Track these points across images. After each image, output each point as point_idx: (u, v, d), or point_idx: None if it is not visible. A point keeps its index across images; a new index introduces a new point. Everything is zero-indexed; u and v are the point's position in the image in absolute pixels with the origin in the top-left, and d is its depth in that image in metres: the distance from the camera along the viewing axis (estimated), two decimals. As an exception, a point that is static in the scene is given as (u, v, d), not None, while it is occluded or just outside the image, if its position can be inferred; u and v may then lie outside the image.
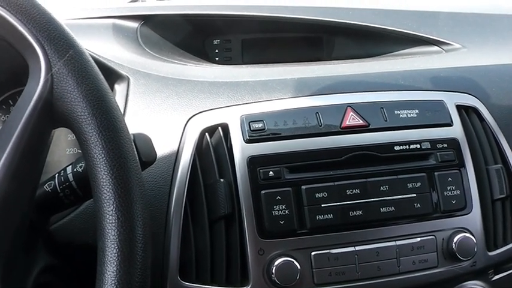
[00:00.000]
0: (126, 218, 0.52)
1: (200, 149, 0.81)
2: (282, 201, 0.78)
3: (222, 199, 0.77)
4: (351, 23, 1.10)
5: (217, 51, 1.15)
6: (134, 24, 1.04)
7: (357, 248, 0.79)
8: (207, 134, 0.81)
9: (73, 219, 0.78)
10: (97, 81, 0.56)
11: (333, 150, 0.81)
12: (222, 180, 0.78)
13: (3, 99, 0.94)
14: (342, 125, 0.82)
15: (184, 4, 1.14)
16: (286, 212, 0.77)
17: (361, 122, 0.82)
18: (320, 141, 0.81)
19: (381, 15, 1.11)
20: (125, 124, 0.57)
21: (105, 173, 0.53)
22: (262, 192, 0.78)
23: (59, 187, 0.66)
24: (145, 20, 1.06)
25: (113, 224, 0.52)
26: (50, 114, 0.55)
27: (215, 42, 1.15)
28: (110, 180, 0.53)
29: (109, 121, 0.54)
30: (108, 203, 0.52)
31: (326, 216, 0.78)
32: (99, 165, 0.53)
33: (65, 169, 0.66)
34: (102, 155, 0.53)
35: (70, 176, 0.65)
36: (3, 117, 0.93)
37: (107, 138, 0.53)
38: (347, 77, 0.92)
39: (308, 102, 0.84)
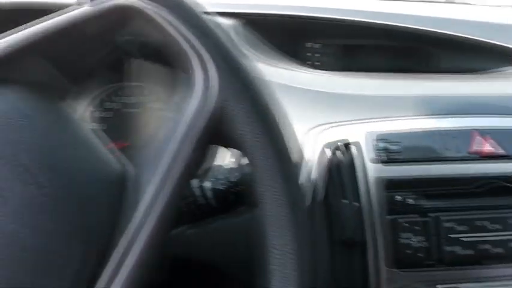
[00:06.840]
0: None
1: (320, 165, 0.76)
2: (410, 229, 0.73)
3: (348, 222, 0.72)
4: (455, 35, 1.04)
5: (309, 54, 1.10)
6: (229, 22, 0.99)
7: (488, 284, 0.75)
8: (328, 149, 0.76)
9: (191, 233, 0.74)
10: (267, 101, 0.51)
11: (469, 178, 0.75)
12: (346, 201, 0.73)
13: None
14: (479, 152, 0.76)
15: (281, 4, 1.09)
16: (414, 241, 0.73)
17: (500, 150, 0.77)
18: (454, 168, 0.75)
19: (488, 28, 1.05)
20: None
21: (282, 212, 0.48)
22: (390, 217, 0.73)
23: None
24: (241, 17, 1.01)
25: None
26: (217, 135, 0.50)
27: (308, 45, 1.09)
28: (286, 218, 0.48)
29: (283, 152, 0.49)
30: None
31: (458, 249, 0.73)
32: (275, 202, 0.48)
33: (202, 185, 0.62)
34: (279, 197, 0.48)
35: (209, 193, 0.61)
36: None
37: (284, 175, 0.49)
38: (473, 98, 0.86)
39: (435, 123, 0.79)
